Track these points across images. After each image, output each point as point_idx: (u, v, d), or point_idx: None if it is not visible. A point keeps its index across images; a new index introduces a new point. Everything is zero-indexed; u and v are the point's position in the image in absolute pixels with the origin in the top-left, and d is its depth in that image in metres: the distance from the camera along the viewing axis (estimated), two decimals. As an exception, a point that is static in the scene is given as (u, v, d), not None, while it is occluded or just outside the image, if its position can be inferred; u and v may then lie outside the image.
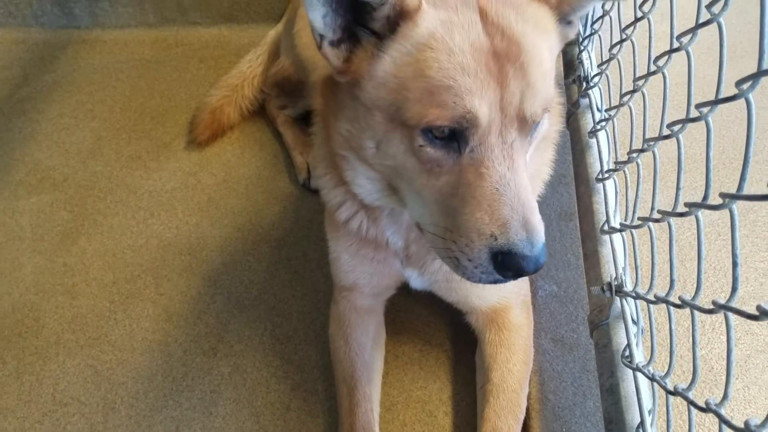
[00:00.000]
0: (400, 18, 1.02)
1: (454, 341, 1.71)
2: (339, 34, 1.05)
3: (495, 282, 1.05)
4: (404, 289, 1.60)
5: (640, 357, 1.21)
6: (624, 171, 1.52)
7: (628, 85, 1.52)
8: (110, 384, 1.68)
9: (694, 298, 0.99)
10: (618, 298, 1.34)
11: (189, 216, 2.08)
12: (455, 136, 1.01)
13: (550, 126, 1.32)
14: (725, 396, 0.87)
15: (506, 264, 1.00)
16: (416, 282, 1.51)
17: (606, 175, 1.62)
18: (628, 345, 1.22)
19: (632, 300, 1.30)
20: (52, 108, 2.50)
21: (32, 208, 2.14)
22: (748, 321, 1.02)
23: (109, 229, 2.06)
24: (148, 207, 2.12)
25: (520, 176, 1.01)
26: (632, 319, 1.27)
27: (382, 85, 1.04)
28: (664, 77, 1.29)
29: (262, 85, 2.32)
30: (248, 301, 1.84)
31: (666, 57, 1.27)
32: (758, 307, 0.78)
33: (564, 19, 1.14)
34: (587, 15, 2.10)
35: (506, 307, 1.53)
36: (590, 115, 1.87)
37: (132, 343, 1.77)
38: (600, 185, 1.64)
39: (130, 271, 1.94)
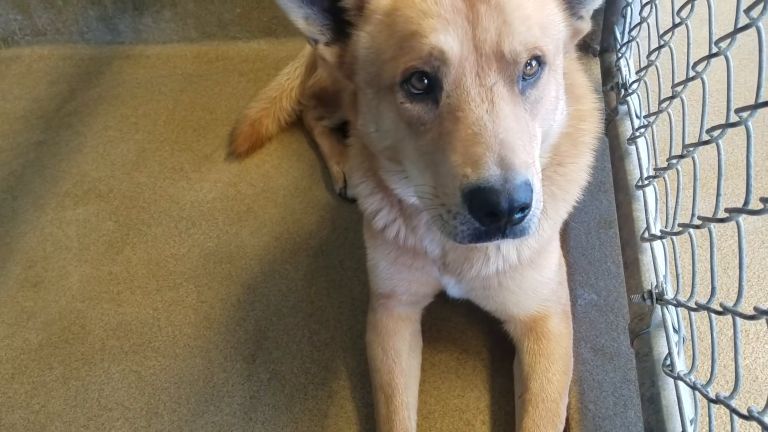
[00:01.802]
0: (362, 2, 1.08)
1: (491, 350, 1.70)
2: (328, 35, 1.13)
3: (478, 237, 0.97)
4: (441, 297, 1.61)
5: (681, 366, 1.19)
6: (664, 178, 1.50)
7: (666, 92, 1.51)
8: (153, 389, 1.73)
9: (735, 305, 0.97)
10: (659, 306, 1.32)
11: (229, 225, 2.13)
12: (432, 87, 1.00)
13: (587, 128, 1.31)
14: (769, 404, 0.86)
15: (478, 202, 0.92)
16: (454, 290, 1.51)
17: (646, 182, 1.60)
18: (670, 354, 1.21)
19: (673, 308, 1.29)
20: (97, 121, 2.59)
21: (79, 218, 2.22)
22: (794, 329, 1.00)
23: (153, 238, 2.12)
24: (190, 217, 2.17)
25: (502, 120, 0.95)
26: (673, 328, 1.26)
27: (365, 60, 1.09)
28: (703, 83, 1.27)
29: (300, 96, 2.36)
30: (286, 309, 1.87)
31: (705, 62, 1.26)
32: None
33: (575, 13, 1.15)
34: (625, 21, 2.09)
35: (545, 315, 1.51)
36: (629, 122, 1.85)
37: (174, 350, 1.81)
38: (640, 192, 1.63)
39: (173, 279, 1.99)
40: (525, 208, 0.93)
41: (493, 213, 0.92)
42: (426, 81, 1.00)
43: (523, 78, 1.02)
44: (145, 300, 1.94)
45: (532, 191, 0.93)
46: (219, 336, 1.82)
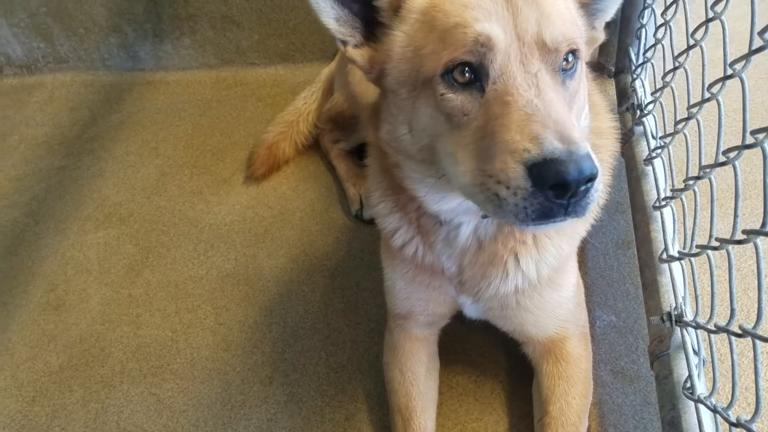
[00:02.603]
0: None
1: (509, 372, 1.69)
2: (358, 37, 1.14)
3: (542, 214, 0.93)
4: (458, 318, 1.60)
5: (702, 388, 1.17)
6: (681, 198, 1.50)
7: (682, 113, 1.51)
8: (171, 412, 1.73)
9: (755, 326, 0.96)
10: (678, 328, 1.31)
11: (247, 248, 2.14)
12: (476, 77, 1.01)
13: (604, 146, 1.31)
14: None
15: (544, 175, 0.89)
16: (470, 310, 1.51)
17: (663, 203, 1.59)
18: (690, 376, 1.19)
19: (693, 330, 1.27)
20: (118, 146, 2.64)
21: (99, 242, 2.25)
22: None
23: (172, 261, 2.14)
24: (209, 239, 2.19)
25: (551, 102, 0.95)
26: (693, 350, 1.24)
27: (401, 59, 1.09)
28: (719, 104, 1.27)
29: (317, 120, 2.39)
30: (303, 331, 1.87)
31: (720, 84, 1.26)
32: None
33: (590, 23, 1.17)
34: (639, 43, 2.10)
35: (564, 337, 1.50)
36: (645, 143, 1.85)
37: (193, 372, 1.82)
38: (657, 213, 1.62)
39: (191, 302, 2.00)
40: (592, 178, 0.91)
41: (562, 184, 0.89)
42: (468, 73, 1.01)
43: (563, 70, 1.04)
44: (163, 322, 1.96)
45: (594, 161, 0.92)
46: (236, 358, 1.83)
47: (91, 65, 3.07)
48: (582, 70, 1.10)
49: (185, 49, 2.94)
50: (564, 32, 1.01)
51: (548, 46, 1.00)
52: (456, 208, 1.25)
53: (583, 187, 0.91)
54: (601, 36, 1.21)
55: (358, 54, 1.15)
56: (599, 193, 0.97)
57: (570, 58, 1.05)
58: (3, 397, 1.83)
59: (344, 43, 1.14)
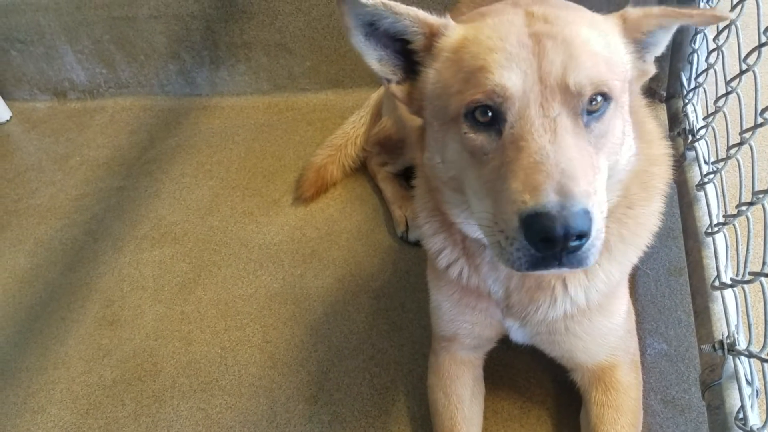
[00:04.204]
0: (432, 39, 1.12)
1: (556, 399, 1.67)
2: (400, 75, 1.19)
3: (534, 264, 0.97)
4: (504, 342, 1.59)
5: (755, 419, 1.14)
6: (734, 225, 1.47)
7: (735, 138, 1.48)
8: (219, 428, 1.77)
9: (812, 355, 0.94)
10: (731, 357, 1.28)
11: (294, 267, 2.19)
12: (495, 119, 1.03)
13: (658, 173, 1.30)
14: None
15: (533, 227, 0.92)
16: (517, 334, 1.49)
17: (715, 229, 1.56)
18: (742, 407, 1.16)
19: (746, 359, 1.24)
20: (174, 168, 2.73)
21: (155, 260, 2.33)
22: None
23: (223, 279, 2.20)
24: (258, 259, 2.24)
25: (564, 149, 0.96)
26: (746, 380, 1.21)
27: (433, 96, 1.14)
28: (773, 128, 1.25)
29: (364, 143, 2.43)
30: (348, 351, 1.89)
31: (774, 107, 1.24)
32: None
33: (640, 57, 1.16)
34: (691, 68, 2.08)
35: (614, 365, 1.47)
36: (697, 168, 1.82)
37: (240, 389, 1.85)
38: (709, 239, 1.59)
39: (240, 320, 2.05)
40: (582, 236, 0.92)
41: (548, 239, 0.92)
42: (490, 113, 1.03)
43: (588, 113, 1.03)
44: (213, 339, 2.01)
45: (590, 220, 0.93)
46: (282, 376, 1.86)
47: (150, 90, 3.20)
48: (617, 108, 1.09)
49: (240, 76, 3.03)
50: (591, 75, 1.00)
51: (571, 90, 1.00)
52: None
53: (573, 243, 0.92)
54: (651, 69, 1.20)
55: (399, 90, 1.20)
56: (597, 248, 0.98)
57: (598, 100, 1.03)
58: (58, 409, 1.90)
59: (388, 80, 1.20)
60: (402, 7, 1.10)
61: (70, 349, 2.08)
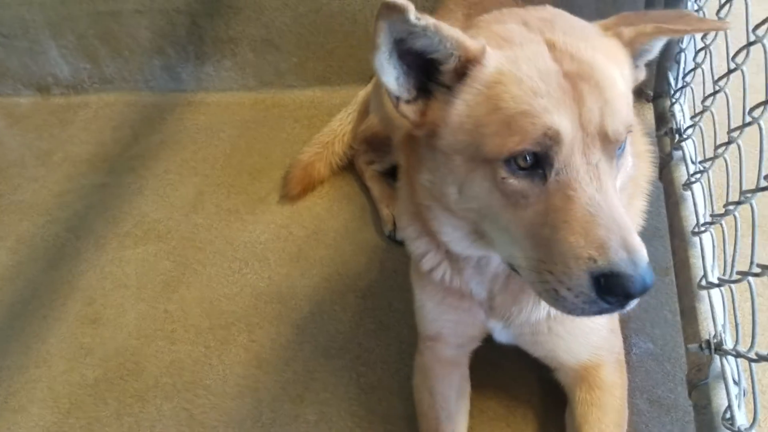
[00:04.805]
0: (467, 64, 1.05)
1: (542, 398, 1.67)
2: (413, 93, 1.10)
3: (600, 312, 1.00)
4: (490, 342, 1.58)
5: (742, 419, 1.14)
6: (721, 224, 1.47)
7: (722, 137, 1.49)
8: (203, 428, 1.75)
9: (799, 355, 0.94)
10: (718, 357, 1.28)
11: (280, 266, 2.17)
12: (539, 163, 1.01)
13: (639, 171, 1.30)
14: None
15: (611, 287, 0.94)
16: (501, 335, 1.49)
17: (702, 228, 1.57)
18: (729, 406, 1.16)
19: (733, 358, 1.24)
20: (158, 165, 2.70)
21: (138, 257, 2.30)
22: None
23: (207, 278, 2.17)
24: (243, 257, 2.22)
25: (610, 198, 0.98)
26: (733, 379, 1.21)
27: (458, 129, 1.07)
28: (760, 128, 1.25)
29: (352, 141, 2.41)
30: (334, 350, 1.87)
31: (761, 107, 1.24)
32: None
33: (633, 63, 1.16)
34: (678, 67, 2.08)
35: (598, 364, 1.47)
36: (684, 168, 1.82)
37: (224, 388, 1.83)
38: (696, 239, 1.59)
39: (225, 319, 2.03)
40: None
41: (627, 296, 0.96)
42: (530, 159, 1.01)
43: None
44: (197, 338, 1.98)
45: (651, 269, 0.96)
46: (268, 375, 1.84)
47: (134, 86, 3.16)
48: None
49: (226, 71, 3.00)
50: (624, 120, 1.02)
51: (610, 137, 1.00)
52: (485, 254, 1.28)
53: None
54: (642, 75, 1.20)
55: (410, 110, 1.11)
56: None
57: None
58: (40, 408, 1.87)
59: (397, 98, 1.11)
60: (448, 30, 1.02)
61: (51, 347, 2.04)
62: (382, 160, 2.31)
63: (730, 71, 1.48)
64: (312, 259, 2.17)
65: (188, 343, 1.98)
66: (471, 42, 1.03)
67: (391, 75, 1.07)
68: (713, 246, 1.52)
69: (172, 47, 2.97)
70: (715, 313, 1.37)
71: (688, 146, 1.83)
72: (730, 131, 1.42)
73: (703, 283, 1.45)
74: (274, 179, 2.51)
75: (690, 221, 1.66)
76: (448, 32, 1.02)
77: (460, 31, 1.05)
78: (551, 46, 1.04)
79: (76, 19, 2.98)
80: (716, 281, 1.39)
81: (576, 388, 1.48)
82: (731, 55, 1.46)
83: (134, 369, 1.93)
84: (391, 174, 2.29)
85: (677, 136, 1.91)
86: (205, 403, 1.80)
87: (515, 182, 1.02)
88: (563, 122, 0.97)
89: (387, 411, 1.70)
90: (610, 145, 1.01)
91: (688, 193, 1.72)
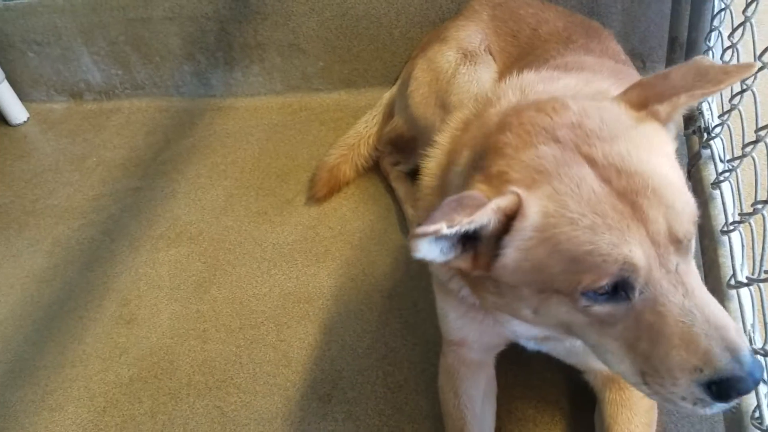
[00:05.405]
0: (508, 220, 0.99)
1: (571, 398, 1.66)
2: (459, 249, 1.04)
3: (722, 408, 0.99)
4: (517, 343, 1.59)
5: (771, 419, 1.13)
6: (750, 223, 1.46)
7: (750, 136, 1.47)
8: (235, 425, 1.78)
9: (829, 355, 0.93)
10: (746, 356, 1.26)
11: (308, 267, 2.20)
12: (618, 288, 0.96)
13: None
14: None
15: (723, 392, 0.94)
16: (528, 343, 1.48)
17: (731, 228, 1.55)
18: (758, 406, 1.15)
19: (762, 358, 1.23)
20: (190, 169, 2.75)
21: (171, 259, 2.35)
22: None
23: (237, 278, 2.21)
24: (272, 258, 2.26)
25: (699, 298, 0.95)
26: (762, 379, 1.20)
27: (517, 270, 1.01)
28: (789, 125, 1.24)
29: (377, 143, 2.43)
30: (361, 350, 1.90)
31: (790, 105, 1.23)
32: None
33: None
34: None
35: None
36: (712, 166, 1.81)
37: (255, 387, 1.87)
38: (725, 238, 1.58)
39: (255, 318, 2.06)
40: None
41: (740, 395, 0.96)
42: (610, 286, 0.96)
43: None
44: (228, 337, 2.02)
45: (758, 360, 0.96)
46: (296, 374, 1.87)
47: (165, 91, 3.22)
48: None
49: (254, 76, 3.05)
50: (689, 216, 0.98)
51: (681, 240, 0.97)
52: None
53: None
54: (673, 132, 1.17)
55: (460, 262, 1.05)
56: None
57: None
58: (76, 407, 1.93)
59: (447, 261, 1.05)
60: (480, 214, 0.95)
61: (87, 347, 2.10)
62: (406, 161, 2.33)
63: (757, 69, 1.47)
64: (338, 259, 2.20)
65: (219, 342, 2.02)
66: (503, 201, 0.96)
67: (434, 254, 1.00)
68: (742, 245, 1.50)
69: (201, 53, 3.02)
70: (744, 312, 1.35)
71: (716, 145, 1.82)
72: (757, 130, 1.41)
73: (732, 282, 1.43)
74: (301, 181, 2.55)
75: (719, 220, 1.65)
76: (487, 214, 0.95)
77: (486, 187, 1.00)
78: (592, 163, 0.97)
79: (107, 26, 3.05)
80: (745, 281, 1.38)
81: (605, 389, 1.47)
82: (758, 53, 1.44)
83: (168, 368, 1.98)
84: (415, 175, 2.30)
85: (705, 134, 1.89)
86: (236, 401, 1.84)
87: (598, 308, 0.98)
88: (635, 251, 0.93)
89: (413, 410, 1.72)
90: (683, 245, 0.97)
91: (717, 191, 1.71)
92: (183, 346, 2.03)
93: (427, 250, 0.97)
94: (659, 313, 0.95)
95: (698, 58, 1.13)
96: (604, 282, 0.94)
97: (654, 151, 1.00)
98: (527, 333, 1.40)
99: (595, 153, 0.98)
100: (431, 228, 0.93)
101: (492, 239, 1.01)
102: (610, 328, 1.00)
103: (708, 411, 0.98)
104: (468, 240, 1.02)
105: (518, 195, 0.96)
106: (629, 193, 0.94)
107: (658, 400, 1.03)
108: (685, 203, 0.97)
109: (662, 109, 1.06)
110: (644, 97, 1.07)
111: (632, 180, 0.95)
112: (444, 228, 0.93)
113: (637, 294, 0.96)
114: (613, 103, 1.08)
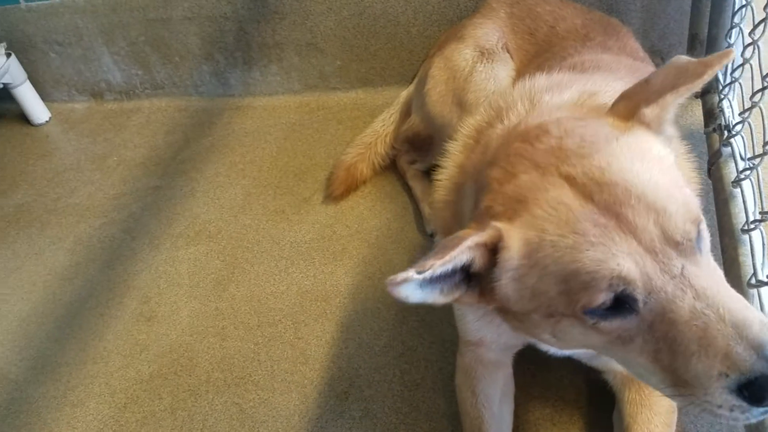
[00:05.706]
0: (492, 254, 0.99)
1: (590, 398, 1.65)
2: (462, 288, 1.05)
3: (764, 414, 0.92)
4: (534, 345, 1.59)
5: (793, 420, 1.12)
6: (771, 222, 1.44)
7: (772, 133, 1.46)
8: (253, 422, 1.80)
9: None
10: (767, 356, 1.25)
11: (325, 265, 2.21)
12: (621, 301, 0.93)
13: None
14: None
15: (755, 394, 0.87)
16: (545, 345, 1.48)
17: (752, 226, 1.53)
18: (780, 406, 1.14)
19: (784, 358, 1.21)
20: (208, 168, 2.78)
21: (190, 257, 2.37)
22: None
23: (255, 276, 2.23)
24: (290, 256, 2.27)
25: (712, 298, 0.90)
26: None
27: (520, 299, 1.01)
28: (811, 123, 1.23)
29: (394, 141, 2.44)
30: (378, 348, 1.90)
31: (812, 102, 1.21)
32: None
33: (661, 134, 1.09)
34: (727, 64, 2.03)
35: None
36: (733, 164, 1.79)
37: (273, 384, 1.88)
38: (746, 236, 1.56)
39: (273, 316, 2.08)
40: None
41: None
42: (611, 300, 0.93)
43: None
44: (246, 335, 2.04)
45: None
46: (314, 372, 1.88)
47: (185, 91, 3.25)
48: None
49: (272, 76, 3.07)
50: (686, 215, 0.93)
51: (679, 241, 0.92)
52: None
53: None
54: (672, 132, 1.15)
55: (468, 298, 1.07)
56: None
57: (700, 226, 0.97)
58: (97, 403, 1.96)
59: (454, 299, 1.07)
60: (457, 252, 0.96)
61: (108, 344, 2.13)
62: (423, 160, 2.33)
63: (780, 66, 1.45)
64: (355, 257, 2.21)
65: (238, 339, 2.03)
66: (480, 237, 0.97)
67: (430, 297, 1.02)
68: (763, 244, 1.48)
69: (220, 53, 3.05)
70: (765, 310, 1.34)
71: (737, 143, 1.79)
72: (779, 127, 1.39)
73: (753, 281, 1.41)
74: (318, 180, 2.56)
75: (740, 219, 1.63)
76: (456, 255, 0.96)
77: (475, 225, 1.00)
78: (572, 182, 0.96)
79: (127, 27, 3.09)
80: (766, 279, 1.36)
81: (625, 389, 1.46)
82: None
83: (187, 365, 2.00)
84: (432, 173, 2.31)
85: (726, 132, 1.87)
86: (254, 398, 1.86)
87: (607, 324, 0.95)
88: (623, 264, 0.90)
89: (430, 408, 1.72)
90: (685, 245, 0.93)
91: (737, 190, 1.69)
92: (202, 343, 2.05)
93: (412, 295, 0.98)
94: (670, 320, 0.91)
95: (674, 58, 1.11)
96: (600, 298, 0.91)
97: (638, 159, 0.97)
98: (559, 352, 1.38)
99: (574, 171, 0.96)
100: (399, 278, 0.95)
101: (486, 274, 1.01)
102: (630, 344, 0.97)
103: (750, 418, 0.91)
104: (474, 276, 1.03)
105: (497, 228, 0.97)
106: (612, 205, 0.92)
107: (698, 412, 0.97)
108: (679, 204, 0.94)
109: (648, 112, 1.04)
110: (631, 106, 1.06)
111: (614, 191, 0.93)
112: (413, 275, 0.94)
113: (641, 305, 0.92)
114: (598, 118, 1.07)
